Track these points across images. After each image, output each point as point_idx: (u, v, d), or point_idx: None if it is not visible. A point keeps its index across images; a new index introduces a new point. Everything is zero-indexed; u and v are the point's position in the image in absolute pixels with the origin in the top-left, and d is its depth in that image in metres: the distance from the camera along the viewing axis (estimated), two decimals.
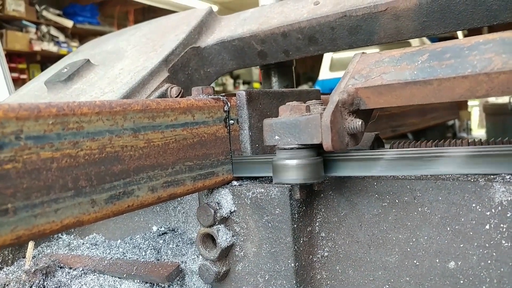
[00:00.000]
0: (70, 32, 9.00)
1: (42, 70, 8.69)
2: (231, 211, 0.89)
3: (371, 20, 1.05)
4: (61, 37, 8.78)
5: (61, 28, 8.86)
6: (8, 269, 1.16)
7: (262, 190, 0.85)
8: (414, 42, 5.56)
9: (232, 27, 1.30)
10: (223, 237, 0.87)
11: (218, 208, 0.88)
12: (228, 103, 0.91)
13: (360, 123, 0.72)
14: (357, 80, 0.75)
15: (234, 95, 0.95)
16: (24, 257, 1.22)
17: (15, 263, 1.19)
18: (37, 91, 1.45)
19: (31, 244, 1.10)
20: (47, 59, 8.80)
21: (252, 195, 0.86)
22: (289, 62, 1.51)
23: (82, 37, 9.21)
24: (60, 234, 1.31)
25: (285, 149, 0.75)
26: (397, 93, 0.70)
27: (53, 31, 8.71)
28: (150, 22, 1.59)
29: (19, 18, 7.90)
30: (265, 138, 0.76)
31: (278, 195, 0.83)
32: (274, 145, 0.76)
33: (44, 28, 8.57)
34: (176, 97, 1.16)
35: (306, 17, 1.13)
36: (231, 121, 0.94)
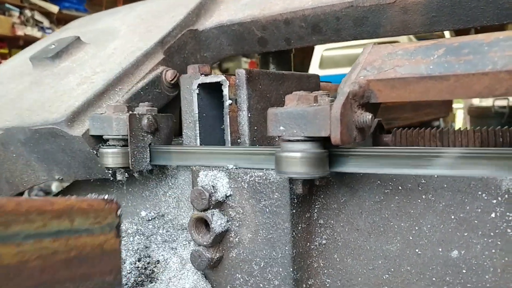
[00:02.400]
0: (55, 17, 8.77)
1: None
2: (227, 195, 0.85)
3: (378, 12, 1.02)
4: (46, 23, 8.55)
5: (46, 13, 8.62)
6: None
7: (261, 173, 0.81)
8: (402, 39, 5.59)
9: (232, 11, 1.26)
10: (218, 222, 0.84)
11: (213, 191, 0.84)
12: (115, 209, 0.74)
13: (370, 117, 0.69)
14: (369, 71, 0.72)
15: (234, 74, 0.91)
16: None
17: None
18: (21, 67, 1.38)
19: None
20: (30, 44, 8.55)
21: (250, 178, 0.83)
22: (288, 49, 1.47)
23: (67, 22, 8.98)
24: None
25: (290, 140, 0.71)
26: (411, 88, 0.67)
27: (38, 16, 8.47)
28: (145, 2, 1.54)
29: (2, 1, 7.66)
30: (269, 128, 0.72)
31: (277, 179, 0.79)
32: (278, 135, 0.72)
33: (28, 13, 8.33)
34: (171, 81, 1.12)
35: (311, 5, 1.09)
36: (229, 101, 0.90)
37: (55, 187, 4.43)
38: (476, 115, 4.89)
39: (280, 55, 1.50)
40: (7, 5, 7.70)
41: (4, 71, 1.41)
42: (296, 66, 1.61)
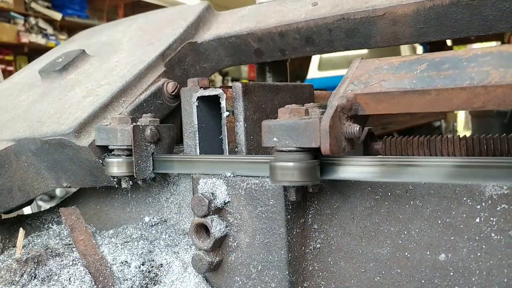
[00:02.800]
0: (58, 24, 8.89)
1: (30, 62, 8.57)
2: (225, 201, 0.89)
3: (369, 24, 1.07)
4: (50, 30, 8.67)
5: (50, 21, 8.74)
6: None
7: (257, 181, 0.86)
8: (404, 48, 5.63)
9: (230, 23, 1.31)
10: (217, 227, 0.88)
11: (212, 198, 0.88)
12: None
13: (357, 128, 0.73)
14: (356, 86, 0.76)
15: (231, 87, 0.95)
16: (14, 246, 1.21)
17: (5, 252, 1.18)
18: (30, 79, 1.43)
19: (21, 233, 1.09)
20: (35, 52, 8.67)
21: (247, 186, 0.87)
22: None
23: (71, 30, 9.10)
24: (50, 224, 1.30)
25: (283, 151, 0.76)
26: (396, 101, 0.72)
27: (42, 23, 8.59)
28: (146, 14, 1.59)
29: (7, 10, 7.78)
30: (263, 139, 0.77)
31: (272, 186, 0.84)
32: (272, 146, 0.77)
33: (32, 20, 8.45)
34: (172, 92, 1.17)
35: (304, 18, 1.14)
36: (227, 113, 0.94)
37: (59, 191, 4.49)
38: (478, 115, 4.89)
39: (276, 64, 1.55)
40: (12, 13, 7.81)
41: (14, 83, 1.47)
42: (295, 69, 1.65)
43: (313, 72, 6.68)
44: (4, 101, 1.37)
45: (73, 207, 1.21)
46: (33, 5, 8.35)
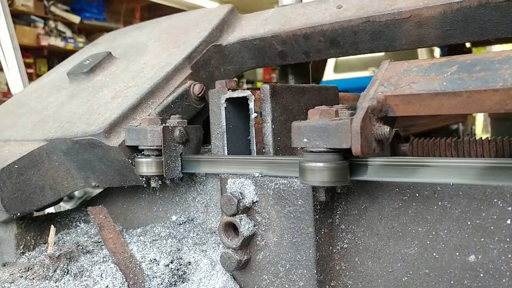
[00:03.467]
0: (77, 27, 9.06)
1: (49, 65, 8.75)
2: (254, 201, 0.91)
3: (394, 27, 1.07)
4: (68, 33, 8.84)
5: (68, 24, 8.91)
6: (30, 254, 1.18)
7: (285, 181, 0.87)
8: (422, 50, 5.58)
9: (254, 26, 1.33)
10: (246, 226, 0.90)
11: (241, 198, 0.90)
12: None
13: (388, 129, 0.74)
14: (386, 87, 0.77)
15: (259, 89, 0.97)
16: (45, 243, 1.25)
17: (36, 248, 1.22)
18: (58, 81, 1.47)
19: (53, 230, 1.12)
20: (54, 54, 8.86)
21: (275, 186, 0.88)
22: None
23: (89, 32, 9.27)
24: (78, 223, 1.34)
25: (312, 151, 0.77)
26: (426, 103, 0.72)
27: (61, 27, 8.76)
28: (170, 17, 1.62)
29: (27, 13, 7.96)
30: (293, 140, 0.78)
31: (301, 186, 0.85)
32: (302, 147, 0.78)
33: (51, 23, 8.63)
34: (198, 94, 1.19)
35: (328, 20, 1.15)
36: (255, 114, 0.96)
37: (78, 192, 4.57)
38: (497, 117, 4.82)
39: (298, 66, 1.56)
40: (33, 17, 7.99)
41: (43, 85, 1.51)
42: (312, 72, 1.65)
43: (329, 74, 6.68)
44: (34, 103, 1.41)
45: (100, 206, 1.24)
46: (52, 8, 8.53)
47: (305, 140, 0.77)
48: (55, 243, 1.19)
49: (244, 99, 0.98)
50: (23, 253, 1.20)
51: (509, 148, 0.85)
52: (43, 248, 1.23)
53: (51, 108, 1.30)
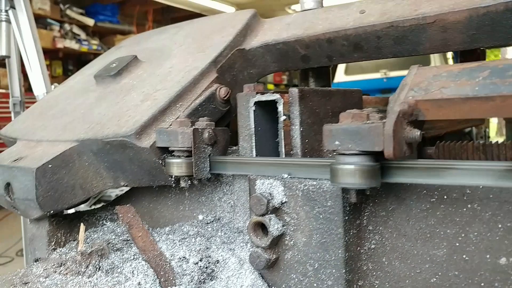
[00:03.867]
0: (91, 30, 9.20)
1: (63, 66, 8.89)
2: (282, 202, 0.93)
3: (418, 31, 1.09)
4: (83, 35, 8.99)
5: (83, 26, 9.06)
6: (61, 250, 1.22)
7: (314, 183, 0.90)
8: (434, 57, 5.56)
9: (276, 31, 1.35)
10: (275, 226, 0.92)
11: (270, 198, 0.93)
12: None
13: (418, 133, 0.76)
14: (417, 92, 0.79)
15: (287, 92, 1.00)
16: (74, 240, 1.29)
17: (66, 245, 1.26)
18: (85, 83, 1.52)
19: (82, 228, 1.16)
20: (68, 56, 9.00)
21: (304, 187, 0.91)
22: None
23: (102, 35, 9.40)
24: (104, 221, 1.37)
25: (344, 154, 0.79)
26: (457, 107, 0.74)
27: (75, 29, 8.91)
28: (192, 22, 1.66)
29: (44, 16, 8.10)
30: (325, 142, 0.80)
31: (330, 188, 0.87)
32: (334, 149, 0.80)
33: (67, 26, 8.77)
34: (224, 97, 1.22)
35: (352, 25, 1.17)
36: (284, 117, 0.99)
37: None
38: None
39: (319, 70, 1.58)
40: (49, 20, 8.14)
41: (70, 87, 1.56)
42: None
43: (340, 77, 6.68)
44: (63, 104, 1.46)
45: (128, 205, 1.27)
46: (68, 11, 8.68)
47: (337, 142, 0.79)
48: (84, 240, 1.23)
49: (272, 102, 1.00)
50: (54, 249, 1.24)
51: None
52: (73, 245, 1.26)
53: (80, 110, 1.34)
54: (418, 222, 0.86)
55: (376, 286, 0.91)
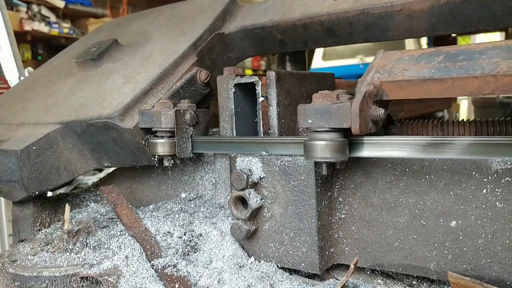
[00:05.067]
0: (61, 12, 8.88)
1: (32, 50, 8.59)
2: (261, 177, 1.01)
3: (387, 18, 1.17)
4: (52, 18, 8.67)
5: (53, 8, 8.73)
6: (46, 231, 1.26)
7: (290, 159, 0.97)
8: (409, 40, 5.72)
9: (255, 15, 1.40)
10: (254, 199, 1.00)
11: (250, 174, 1.00)
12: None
13: (382, 111, 0.84)
14: (382, 74, 0.87)
15: (265, 75, 1.06)
16: (59, 221, 1.33)
17: (51, 225, 1.30)
18: (65, 67, 1.53)
19: (67, 208, 1.20)
20: (38, 40, 8.69)
21: (281, 163, 0.98)
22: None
23: (74, 18, 9.10)
24: (88, 202, 1.42)
25: (316, 131, 0.87)
26: (416, 88, 0.83)
27: (44, 11, 8.58)
28: (172, 6, 1.68)
29: None
30: (299, 120, 0.88)
31: (304, 163, 0.95)
32: (306, 127, 0.88)
33: (35, 8, 8.43)
34: (204, 80, 1.27)
35: (326, 12, 1.24)
36: (261, 98, 1.05)
37: None
38: (481, 105, 4.99)
39: (296, 54, 1.65)
40: (15, 1, 7.81)
41: (50, 71, 1.57)
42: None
43: (318, 62, 6.76)
44: (43, 88, 1.47)
45: (112, 185, 1.32)
46: None
47: (310, 121, 0.87)
48: (70, 220, 1.27)
49: (251, 85, 1.07)
50: (39, 230, 1.28)
51: (487, 128, 0.96)
52: (58, 226, 1.31)
53: (62, 93, 1.36)
54: (383, 193, 0.95)
55: (346, 252, 1.00)
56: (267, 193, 1.01)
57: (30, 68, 2.65)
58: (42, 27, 8.45)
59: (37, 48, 8.72)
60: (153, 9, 1.72)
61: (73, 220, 1.29)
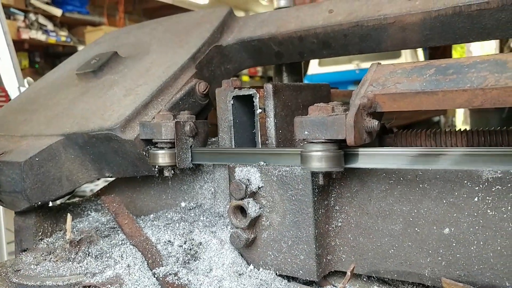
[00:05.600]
0: (58, 20, 8.92)
1: (30, 58, 8.62)
2: (259, 186, 1.03)
3: (380, 30, 1.20)
4: (50, 26, 8.71)
5: (50, 17, 8.77)
6: (48, 240, 1.28)
7: (287, 169, 1.00)
8: (405, 52, 5.80)
9: (251, 28, 1.44)
10: (252, 208, 1.02)
11: (248, 184, 1.02)
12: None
13: (376, 123, 0.87)
14: (375, 87, 0.90)
15: (262, 87, 1.09)
16: (60, 230, 1.35)
17: (53, 235, 1.32)
18: (66, 79, 1.56)
19: (69, 218, 1.22)
20: (35, 48, 8.72)
21: (278, 173, 1.01)
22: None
23: (71, 26, 9.15)
24: (89, 211, 1.44)
25: (313, 142, 0.90)
26: (409, 100, 0.86)
27: (42, 20, 8.62)
28: (170, 17, 1.72)
29: (7, 6, 7.80)
30: (296, 132, 0.91)
31: (301, 173, 0.98)
32: (303, 138, 0.91)
33: (32, 16, 8.48)
34: (203, 91, 1.30)
35: (321, 24, 1.28)
36: (259, 110, 1.08)
37: None
38: (477, 110, 5.05)
39: (292, 65, 1.68)
40: (12, 9, 7.85)
41: (51, 82, 1.59)
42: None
43: (314, 68, 6.82)
44: (44, 99, 1.50)
45: (113, 195, 1.35)
46: (33, 1, 8.38)
47: (306, 132, 0.90)
48: (71, 229, 1.29)
49: (249, 97, 1.10)
50: (41, 239, 1.30)
51: (478, 138, 0.99)
52: (60, 235, 1.33)
53: (63, 105, 1.39)
54: (378, 202, 0.98)
55: (343, 260, 1.03)
56: (266, 202, 1.03)
57: (30, 79, 2.68)
58: (40, 35, 8.49)
59: (34, 56, 8.75)
60: (151, 21, 1.76)
61: (74, 229, 1.31)
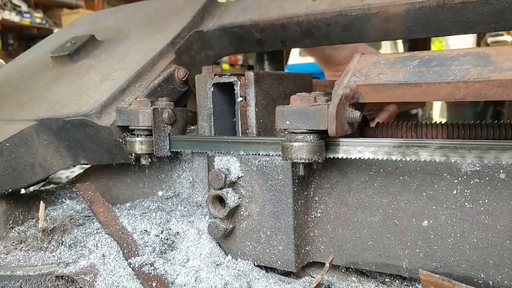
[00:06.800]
0: (33, 2, 8.61)
1: (3, 40, 8.30)
2: (239, 176, 1.02)
3: (364, 20, 1.19)
4: (24, 7, 8.41)
5: None
6: (19, 229, 1.24)
7: (268, 159, 0.98)
8: (385, 44, 5.83)
9: (233, 14, 1.40)
10: (231, 198, 1.00)
11: (227, 173, 1.00)
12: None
13: (358, 114, 0.86)
14: (358, 78, 0.89)
15: (243, 74, 1.07)
16: (32, 219, 1.30)
17: (25, 223, 1.27)
18: (40, 62, 1.50)
19: (42, 206, 1.18)
20: (8, 29, 8.41)
21: (258, 163, 0.99)
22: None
23: (47, 8, 8.84)
24: (63, 199, 1.39)
25: (294, 132, 0.88)
26: (392, 91, 0.85)
27: (15, 0, 8.31)
28: (150, 2, 1.67)
29: None
30: (277, 122, 0.89)
31: (282, 163, 0.96)
32: (284, 128, 0.89)
33: None
34: (182, 78, 1.27)
35: (304, 12, 1.26)
36: (240, 98, 1.06)
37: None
38: (453, 103, 5.14)
39: (274, 53, 1.66)
40: None
41: (23, 65, 1.53)
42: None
43: (295, 58, 6.80)
44: (16, 83, 1.43)
45: (88, 183, 1.31)
46: None
47: (287, 122, 0.88)
48: (44, 218, 1.25)
49: (230, 84, 1.07)
50: (12, 228, 1.25)
51: (458, 131, 1.00)
52: (32, 224, 1.28)
53: (36, 89, 1.33)
54: (358, 193, 0.98)
55: (322, 251, 1.02)
56: (245, 192, 1.02)
57: (1, 61, 2.57)
58: (13, 17, 8.19)
59: (7, 38, 8.43)
60: (130, 5, 1.70)
61: (47, 217, 1.27)
